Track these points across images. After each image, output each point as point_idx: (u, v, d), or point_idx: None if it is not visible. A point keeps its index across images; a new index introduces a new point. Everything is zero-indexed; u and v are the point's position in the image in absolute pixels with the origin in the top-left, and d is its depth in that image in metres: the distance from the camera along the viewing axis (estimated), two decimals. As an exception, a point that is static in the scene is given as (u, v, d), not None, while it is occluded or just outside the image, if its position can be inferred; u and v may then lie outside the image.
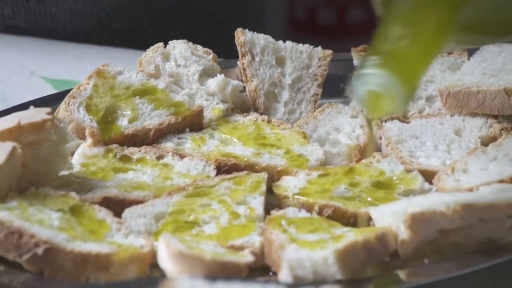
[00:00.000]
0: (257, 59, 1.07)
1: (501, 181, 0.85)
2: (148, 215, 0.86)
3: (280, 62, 1.09)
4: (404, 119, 1.03)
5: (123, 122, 0.96)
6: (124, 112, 0.97)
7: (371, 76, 0.83)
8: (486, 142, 0.96)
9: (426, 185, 0.91)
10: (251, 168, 0.96)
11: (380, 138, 1.00)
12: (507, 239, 0.81)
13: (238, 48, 1.07)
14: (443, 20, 0.83)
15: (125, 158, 0.93)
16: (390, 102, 0.83)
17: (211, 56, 1.08)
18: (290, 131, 1.01)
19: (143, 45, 1.07)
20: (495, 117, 0.98)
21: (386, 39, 0.84)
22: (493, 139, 0.95)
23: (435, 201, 0.82)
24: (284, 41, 1.08)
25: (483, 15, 0.84)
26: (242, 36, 1.08)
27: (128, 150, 0.94)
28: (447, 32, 0.84)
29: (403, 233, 0.81)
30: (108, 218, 0.84)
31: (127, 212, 0.86)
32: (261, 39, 1.08)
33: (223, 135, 1.00)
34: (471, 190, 0.86)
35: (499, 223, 0.80)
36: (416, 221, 0.81)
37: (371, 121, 0.89)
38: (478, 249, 0.81)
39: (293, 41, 1.07)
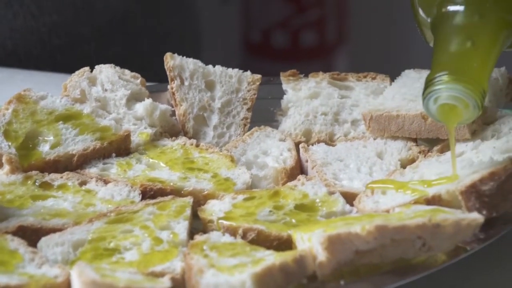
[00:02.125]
0: (186, 83, 1.08)
1: (415, 202, 0.87)
2: (66, 243, 0.84)
3: (210, 86, 1.09)
4: (330, 142, 1.04)
5: (44, 148, 0.95)
6: (46, 138, 0.96)
7: (440, 92, 0.86)
8: (405, 164, 0.97)
9: (347, 207, 0.92)
10: (177, 192, 0.95)
11: (307, 161, 1.02)
12: (418, 258, 0.82)
13: (168, 73, 1.07)
14: (499, 25, 0.89)
15: (46, 185, 0.92)
16: (465, 110, 0.87)
17: (139, 81, 1.08)
18: (218, 154, 1.01)
19: (86, 60, 1.07)
20: (414, 140, 1.00)
21: (447, 54, 0.88)
22: (412, 161, 0.97)
23: (351, 222, 0.84)
24: (240, 64, 1.10)
25: None
26: (171, 60, 1.08)
27: (49, 177, 0.93)
28: (503, 36, 0.89)
29: (321, 255, 0.81)
30: (21, 248, 0.82)
31: (43, 241, 0.84)
32: (191, 63, 1.08)
33: (150, 160, 1.00)
34: (388, 211, 0.88)
35: (410, 244, 0.81)
36: (333, 242, 0.81)
37: (451, 130, 0.89)
38: (392, 269, 0.82)
39: (248, 63, 1.08)
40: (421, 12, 0.94)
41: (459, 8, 0.90)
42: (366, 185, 0.91)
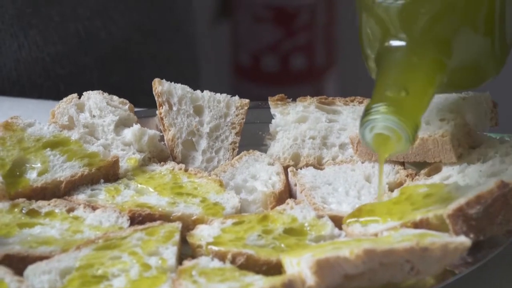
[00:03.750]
0: (174, 108, 1.08)
1: (403, 226, 0.88)
2: (53, 271, 0.84)
3: (198, 111, 1.10)
4: (318, 166, 1.05)
5: (32, 175, 0.95)
6: (33, 165, 0.96)
7: (376, 121, 0.89)
8: (393, 187, 0.98)
9: (336, 230, 0.92)
10: (166, 217, 0.95)
11: (295, 185, 1.03)
12: (407, 282, 0.83)
13: (156, 98, 1.08)
14: (436, 66, 0.92)
15: (33, 213, 0.91)
16: (397, 142, 0.90)
17: (127, 106, 1.08)
18: (206, 179, 1.02)
19: (88, 88, 1.08)
20: (402, 163, 1.01)
21: (386, 87, 0.91)
22: (399, 184, 0.98)
23: (339, 246, 0.85)
24: (229, 88, 1.11)
25: (463, 64, 0.93)
26: (159, 86, 1.09)
27: (36, 204, 0.92)
28: (439, 77, 0.92)
29: (310, 279, 0.82)
30: (6, 277, 0.81)
31: (30, 269, 0.84)
32: (179, 89, 1.09)
33: (139, 185, 1.00)
34: (376, 235, 0.88)
35: (399, 267, 0.81)
36: (322, 267, 0.82)
37: (381, 159, 0.93)
38: (381, 294, 0.83)
39: (238, 87, 1.09)
40: (366, 46, 0.97)
41: (400, 43, 0.93)
42: (345, 221, 0.92)
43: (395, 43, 0.93)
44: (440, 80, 0.93)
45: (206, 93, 1.11)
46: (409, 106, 0.90)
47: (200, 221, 0.95)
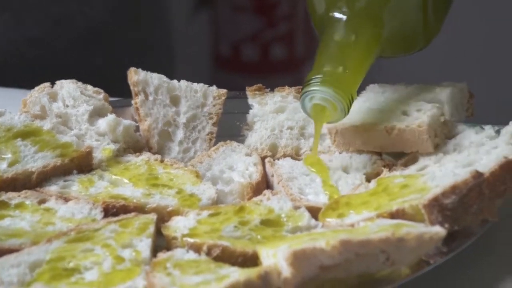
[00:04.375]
0: (150, 98, 1.08)
1: (379, 216, 0.88)
2: (22, 264, 0.82)
3: (175, 101, 1.10)
4: (296, 156, 1.06)
5: (1, 166, 0.94)
6: (3, 156, 0.95)
7: (315, 92, 0.96)
8: (370, 178, 0.99)
9: (313, 221, 0.92)
10: (141, 209, 0.95)
11: (272, 176, 1.02)
12: (382, 272, 0.83)
13: (132, 88, 1.07)
14: (373, 40, 0.98)
15: (2, 204, 0.90)
16: (333, 112, 0.97)
17: (101, 96, 1.08)
18: (183, 170, 1.02)
19: (65, 72, 1.08)
20: (379, 154, 1.02)
21: (325, 59, 0.97)
22: (377, 175, 0.99)
23: (316, 237, 0.85)
24: (208, 78, 1.11)
25: (396, 31, 0.99)
26: (135, 75, 1.08)
27: (6, 196, 0.91)
28: (374, 52, 0.99)
29: (286, 271, 0.82)
30: None
31: None
32: (155, 78, 1.09)
33: (113, 176, 1.00)
34: (352, 226, 0.89)
35: (374, 258, 0.81)
36: (298, 258, 0.82)
37: (318, 128, 1.00)
38: (356, 284, 0.83)
39: (217, 77, 1.10)
40: (313, 13, 1.02)
41: (342, 16, 0.99)
42: (321, 212, 0.93)
43: (337, 15, 0.98)
44: (376, 54, 0.99)
45: (183, 82, 1.10)
46: (345, 79, 0.97)
47: (175, 212, 0.95)
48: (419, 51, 1.04)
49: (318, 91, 0.96)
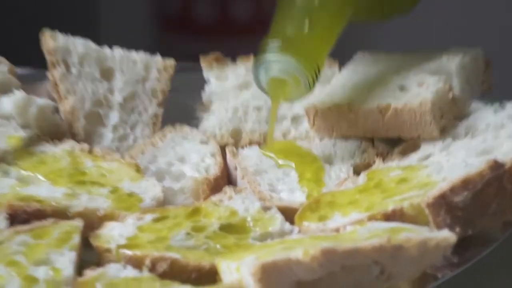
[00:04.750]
0: (74, 70, 1.10)
1: (371, 218, 0.91)
2: None
3: (107, 74, 1.12)
4: (265, 143, 1.08)
5: None
6: None
7: (273, 62, 0.98)
8: (359, 170, 1.02)
9: (287, 226, 0.95)
10: (62, 214, 0.96)
11: (236, 169, 1.05)
12: (375, 290, 0.86)
13: (47, 57, 1.08)
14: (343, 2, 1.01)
15: None
16: (294, 88, 0.99)
17: (6, 68, 1.09)
18: (119, 163, 1.04)
19: None
20: (370, 140, 1.05)
21: (286, 22, 0.99)
22: (367, 166, 1.02)
23: (291, 246, 0.89)
24: (152, 44, 1.13)
25: None
26: (51, 41, 1.09)
27: None
28: (344, 8, 1.01)
29: (252, 289, 0.87)
30: None
31: None
32: (79, 45, 1.10)
33: (23, 172, 1.00)
34: (337, 230, 0.92)
35: (366, 271, 0.83)
36: (268, 272, 0.83)
37: (274, 106, 1.03)
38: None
39: (161, 42, 1.12)
40: None
41: None
42: (298, 214, 0.96)
43: None
44: (347, 15, 1.02)
45: (118, 51, 1.12)
46: (310, 46, 0.98)
47: (109, 217, 0.97)
48: (402, 15, 1.06)
49: (275, 61, 0.97)
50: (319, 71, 0.99)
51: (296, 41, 0.98)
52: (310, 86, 0.98)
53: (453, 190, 0.90)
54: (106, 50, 1.12)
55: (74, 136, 1.08)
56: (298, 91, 0.99)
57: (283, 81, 0.99)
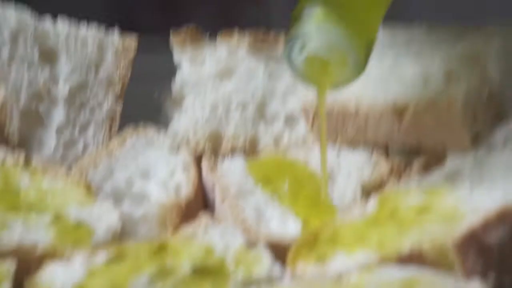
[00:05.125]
0: (4, 52, 1.12)
1: (382, 260, 0.92)
2: None
3: (49, 57, 1.14)
4: (252, 152, 1.11)
5: None
6: None
7: (308, 36, 0.95)
8: (369, 190, 1.04)
9: (277, 268, 0.96)
10: None
11: (214, 189, 1.07)
12: None
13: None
14: None
15: None
16: (340, 68, 0.97)
17: None
18: (63, 180, 1.06)
19: None
20: (384, 150, 1.06)
21: None
22: (379, 187, 1.04)
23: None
24: (108, 16, 1.13)
25: None
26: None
27: None
28: None
29: None
30: None
31: None
32: (12, 17, 1.12)
33: None
34: (340, 278, 0.92)
35: None
36: None
37: (321, 105, 1.00)
38: None
39: (117, 12, 1.12)
40: None
41: None
42: (292, 253, 0.97)
43: None
44: None
45: (63, 25, 1.14)
46: (358, 14, 0.96)
47: (50, 256, 0.99)
48: None
49: (314, 33, 0.95)
50: (371, 46, 0.97)
51: (340, 7, 0.96)
52: (361, 67, 0.96)
53: (487, 225, 0.91)
54: (47, 24, 1.13)
55: (5, 141, 1.10)
56: (345, 73, 0.97)
57: (325, 62, 0.97)
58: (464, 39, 1.06)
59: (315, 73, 0.98)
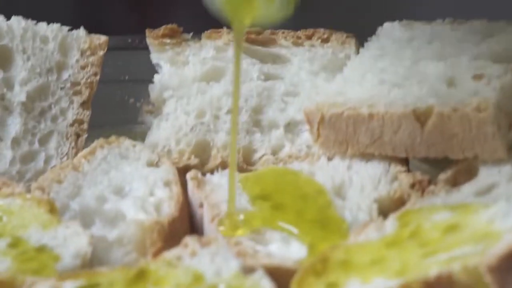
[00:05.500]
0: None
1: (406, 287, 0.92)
2: None
3: (3, 59, 1.15)
4: (246, 166, 1.12)
5: None
6: None
7: None
8: (387, 207, 1.05)
9: None
10: None
11: (201, 206, 1.08)
12: None
13: None
14: None
15: None
16: (264, 3, 1.00)
17: None
18: (22, 199, 1.07)
19: None
20: (404, 161, 1.08)
21: None
22: (399, 203, 1.05)
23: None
24: (72, 11, 1.14)
25: None
26: None
27: None
28: None
29: None
30: None
31: None
32: None
33: None
34: None
35: None
36: None
37: (238, 43, 1.03)
38: None
39: (87, 10, 1.12)
40: None
41: None
42: (296, 280, 0.97)
43: None
44: None
45: (17, 20, 1.15)
46: None
47: (7, 286, 0.99)
48: None
49: None
50: None
51: None
52: (289, 4, 1.00)
53: (528, 245, 0.92)
54: (1, 21, 1.14)
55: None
56: (268, 8, 1.01)
57: None
58: (494, 35, 1.08)
59: (236, 7, 1.02)
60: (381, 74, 1.07)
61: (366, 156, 1.08)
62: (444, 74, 1.06)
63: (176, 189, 1.09)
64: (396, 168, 1.07)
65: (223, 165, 1.12)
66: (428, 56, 1.08)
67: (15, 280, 1.00)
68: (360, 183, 1.07)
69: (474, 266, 0.93)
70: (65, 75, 1.15)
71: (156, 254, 1.04)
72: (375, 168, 1.07)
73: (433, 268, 0.95)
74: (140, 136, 1.14)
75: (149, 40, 1.16)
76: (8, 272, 1.01)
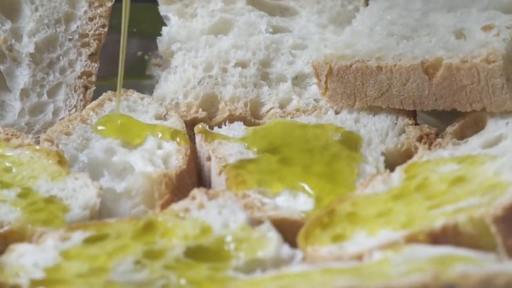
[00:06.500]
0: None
1: (410, 239, 0.95)
2: None
3: (10, 9, 1.16)
4: (253, 118, 1.14)
5: None
6: None
7: None
8: (394, 160, 1.06)
9: (286, 249, 0.99)
10: None
11: (209, 159, 1.10)
12: None
13: None
14: None
15: None
16: None
17: None
18: (31, 150, 1.09)
19: None
20: (412, 114, 1.09)
21: None
22: (406, 156, 1.06)
23: (293, 284, 0.90)
24: None
25: None
26: None
27: None
28: None
29: None
30: None
31: None
32: None
33: None
34: (360, 258, 0.95)
35: None
36: None
37: None
38: None
39: None
40: None
41: None
42: (303, 232, 0.99)
43: None
44: None
45: (25, -29, 1.14)
46: None
47: (17, 236, 1.02)
48: None
49: None
50: None
51: None
52: None
53: (533, 196, 0.92)
54: (7, -29, 1.14)
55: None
56: None
57: None
58: None
59: None
60: (390, 26, 1.07)
61: (374, 109, 1.09)
62: (453, 26, 1.07)
63: (184, 142, 1.10)
64: (403, 121, 1.08)
65: (231, 119, 1.13)
66: (438, 8, 1.08)
67: (25, 230, 1.01)
68: (367, 136, 1.08)
69: (480, 217, 0.94)
70: (73, 27, 1.16)
71: (164, 206, 1.06)
72: (382, 121, 1.08)
73: (439, 220, 0.96)
74: (148, 89, 1.15)
75: (158, -5, 1.17)
76: (18, 222, 1.02)
